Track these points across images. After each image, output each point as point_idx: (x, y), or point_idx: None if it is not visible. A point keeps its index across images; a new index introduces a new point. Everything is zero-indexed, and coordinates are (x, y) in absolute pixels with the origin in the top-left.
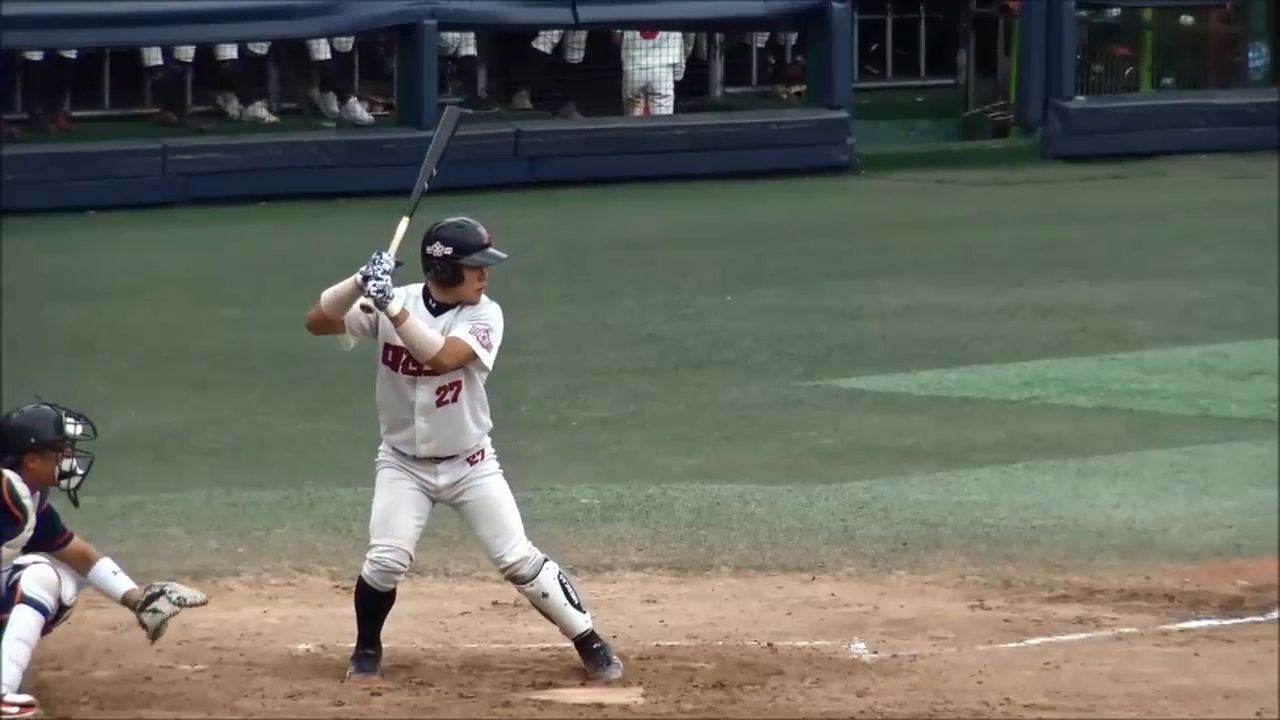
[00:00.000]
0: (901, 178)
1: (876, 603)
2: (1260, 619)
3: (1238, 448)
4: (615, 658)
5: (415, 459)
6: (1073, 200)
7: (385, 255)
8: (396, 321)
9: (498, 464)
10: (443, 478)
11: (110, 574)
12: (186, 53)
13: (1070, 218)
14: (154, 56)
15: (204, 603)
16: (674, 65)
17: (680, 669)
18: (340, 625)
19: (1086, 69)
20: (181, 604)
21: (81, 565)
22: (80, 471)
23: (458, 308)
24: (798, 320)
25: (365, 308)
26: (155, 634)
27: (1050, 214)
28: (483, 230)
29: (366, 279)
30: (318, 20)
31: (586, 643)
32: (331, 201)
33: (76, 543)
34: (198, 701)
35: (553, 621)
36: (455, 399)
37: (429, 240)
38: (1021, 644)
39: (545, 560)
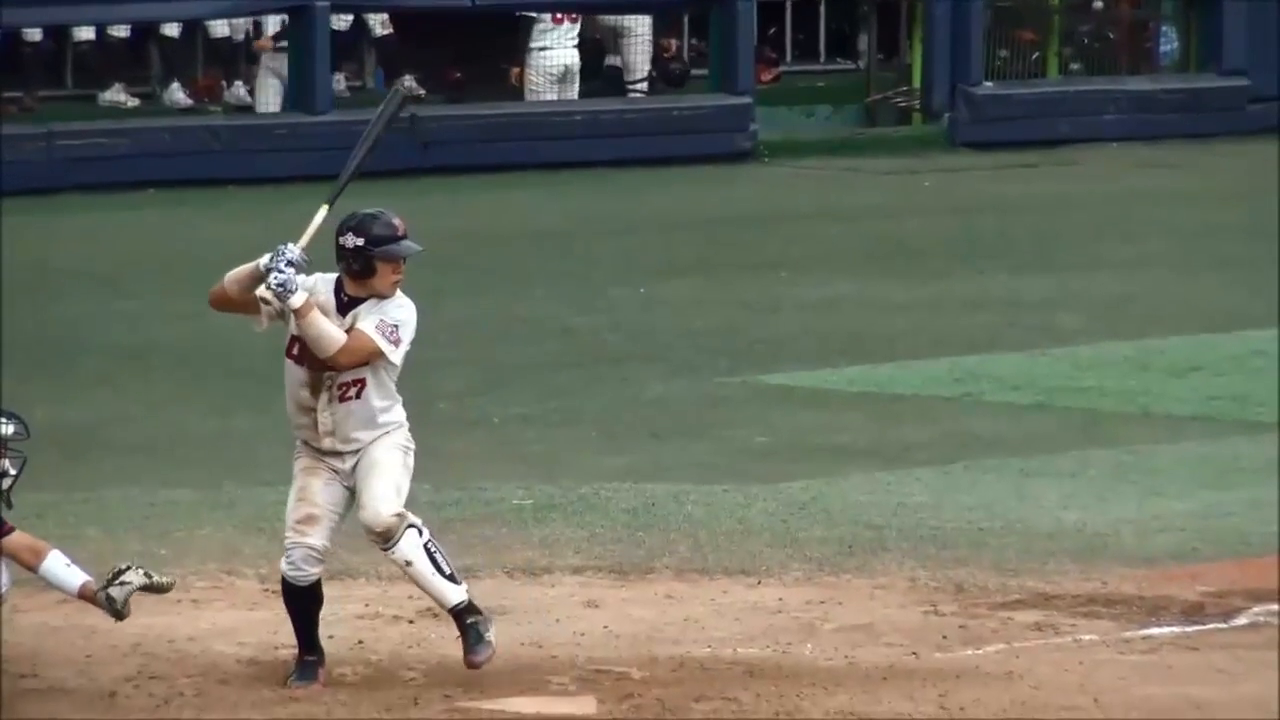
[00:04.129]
0: (806, 165)
1: (826, 608)
2: (1223, 625)
3: (1183, 447)
4: (490, 636)
5: (321, 451)
6: (985, 189)
7: (291, 246)
8: (299, 315)
9: (404, 441)
10: (349, 462)
11: (63, 567)
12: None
13: (985, 207)
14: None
15: (172, 585)
16: None
17: (627, 677)
18: (273, 628)
19: (992, 54)
20: (150, 577)
21: (31, 559)
22: (13, 472)
23: (369, 302)
24: (716, 313)
25: (264, 299)
26: (122, 607)
27: (964, 203)
28: (397, 221)
29: (269, 270)
30: (208, 3)
31: (459, 616)
32: (222, 188)
33: (20, 536)
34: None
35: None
36: (359, 395)
37: (341, 231)
38: (980, 651)
39: (410, 527)
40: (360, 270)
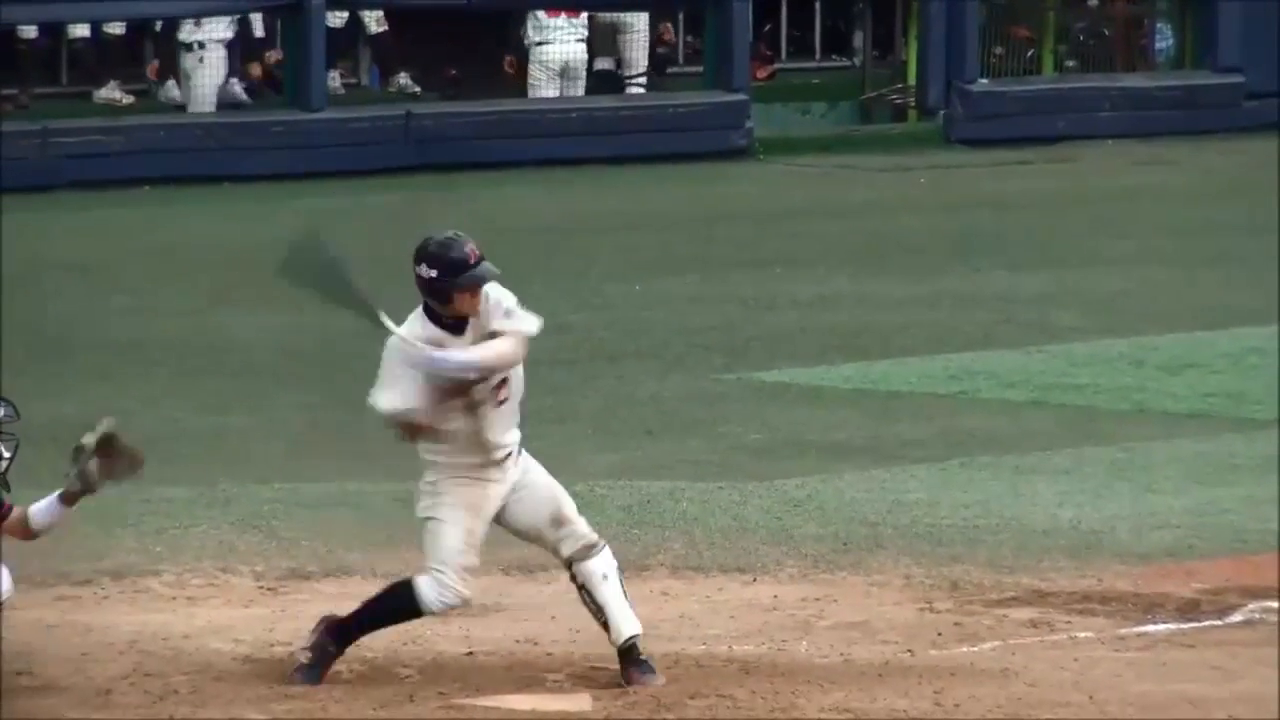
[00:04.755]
0: (801, 163)
1: (822, 605)
2: (1219, 622)
3: (1178, 444)
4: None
5: (491, 464)
6: (982, 186)
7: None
8: (481, 371)
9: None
10: (511, 473)
11: (46, 504)
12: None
13: (981, 204)
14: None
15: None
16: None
17: None
18: (268, 625)
19: (987, 51)
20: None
21: (23, 530)
22: (7, 455)
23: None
24: (711, 310)
25: (474, 382)
26: (91, 476)
27: (960, 200)
28: (470, 247)
29: (435, 362)
30: (203, 1)
31: (630, 649)
32: (217, 185)
33: (18, 511)
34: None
35: (601, 616)
36: (509, 389)
37: (416, 260)
38: (975, 648)
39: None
40: (439, 301)
